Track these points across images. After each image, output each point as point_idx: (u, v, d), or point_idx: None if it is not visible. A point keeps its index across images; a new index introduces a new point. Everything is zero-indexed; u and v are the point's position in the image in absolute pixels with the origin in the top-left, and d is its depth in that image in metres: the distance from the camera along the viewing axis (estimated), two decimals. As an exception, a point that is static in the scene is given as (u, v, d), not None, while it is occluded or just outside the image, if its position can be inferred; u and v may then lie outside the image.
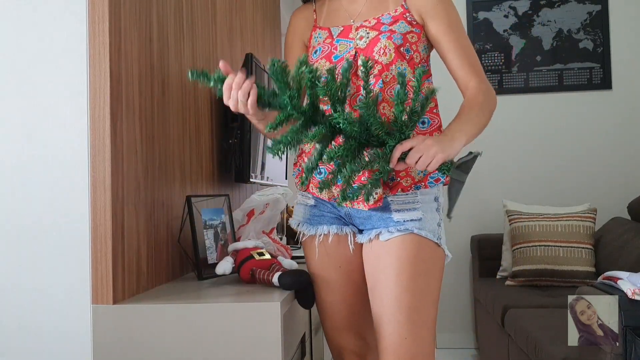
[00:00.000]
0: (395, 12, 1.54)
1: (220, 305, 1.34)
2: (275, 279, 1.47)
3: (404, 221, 1.46)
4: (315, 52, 1.58)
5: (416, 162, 1.30)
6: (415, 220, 1.46)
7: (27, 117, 1.43)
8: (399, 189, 1.47)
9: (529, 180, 3.76)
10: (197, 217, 1.70)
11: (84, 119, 1.41)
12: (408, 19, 1.53)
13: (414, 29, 1.52)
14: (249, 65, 2.17)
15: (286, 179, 2.90)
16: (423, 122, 1.49)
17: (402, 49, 1.49)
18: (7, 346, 1.42)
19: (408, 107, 1.31)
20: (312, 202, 1.60)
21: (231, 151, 2.20)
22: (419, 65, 1.51)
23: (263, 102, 1.31)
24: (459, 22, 1.53)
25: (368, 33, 1.53)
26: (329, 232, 1.57)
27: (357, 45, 1.53)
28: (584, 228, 3.13)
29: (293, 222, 1.64)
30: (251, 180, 2.16)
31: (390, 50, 1.48)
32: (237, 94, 1.29)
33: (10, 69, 1.44)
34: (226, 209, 1.84)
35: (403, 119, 1.30)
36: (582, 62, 3.75)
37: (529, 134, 3.77)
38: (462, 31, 1.53)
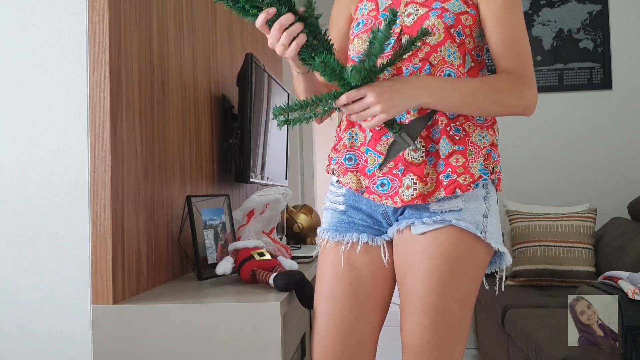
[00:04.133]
0: None
1: (220, 305, 1.34)
2: (271, 280, 1.47)
3: (442, 211, 1.27)
4: (358, 25, 1.39)
5: (355, 113, 1.17)
6: (455, 210, 1.27)
7: (27, 116, 1.43)
8: (456, 189, 1.26)
9: (529, 180, 3.76)
10: (197, 217, 1.70)
11: (84, 119, 1.41)
12: None
13: (469, 10, 1.31)
14: (249, 65, 2.17)
15: (286, 179, 2.90)
16: (449, 76, 1.30)
17: (452, 30, 1.29)
18: (7, 346, 1.42)
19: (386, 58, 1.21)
20: (342, 207, 1.40)
21: (231, 151, 2.20)
22: (472, 53, 1.32)
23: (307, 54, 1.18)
24: (515, 5, 1.31)
25: (417, 10, 1.32)
26: (359, 240, 1.36)
27: (404, 22, 1.32)
28: (584, 228, 3.13)
29: (319, 229, 1.45)
30: (251, 180, 2.16)
31: (439, 29, 1.29)
32: (280, 35, 1.14)
33: (10, 68, 1.44)
34: (226, 209, 1.84)
35: (374, 64, 1.15)
36: (582, 62, 3.74)
37: (529, 134, 3.77)
38: (516, 15, 1.30)
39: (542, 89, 3.77)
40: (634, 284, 1.74)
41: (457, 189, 1.26)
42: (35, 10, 1.44)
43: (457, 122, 1.29)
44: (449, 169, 1.27)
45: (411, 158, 1.28)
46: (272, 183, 2.50)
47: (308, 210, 2.81)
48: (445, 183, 1.26)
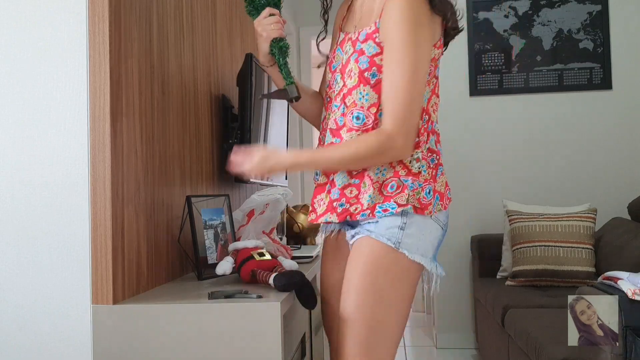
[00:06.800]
0: (370, 28, 1.41)
1: (220, 305, 1.34)
2: (271, 280, 1.47)
3: (361, 225, 1.44)
4: (327, 58, 1.60)
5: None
6: (372, 222, 1.40)
7: (27, 117, 1.43)
8: (347, 216, 1.43)
9: (529, 180, 3.76)
10: (197, 217, 1.70)
11: (84, 119, 1.41)
12: (377, 39, 1.39)
13: (380, 51, 1.39)
14: (249, 65, 2.17)
15: (286, 179, 2.90)
16: (358, 118, 1.41)
17: (367, 73, 1.39)
18: (7, 346, 1.42)
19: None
20: None
21: (231, 151, 2.20)
22: None
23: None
24: (404, 50, 1.33)
25: (348, 49, 1.47)
26: (334, 228, 1.59)
27: (342, 60, 1.49)
28: (584, 228, 3.13)
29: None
30: (251, 180, 2.16)
31: (355, 74, 1.41)
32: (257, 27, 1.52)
33: (10, 68, 1.44)
34: (226, 209, 1.84)
35: None
36: (582, 62, 3.74)
37: (529, 134, 3.77)
38: (407, 67, 1.33)
39: (542, 89, 3.77)
40: (634, 284, 1.74)
41: (347, 217, 1.43)
42: (35, 10, 1.44)
43: None
44: (343, 199, 1.44)
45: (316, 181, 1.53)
46: (272, 183, 2.50)
47: (308, 210, 2.82)
48: (339, 210, 1.44)
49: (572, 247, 3.08)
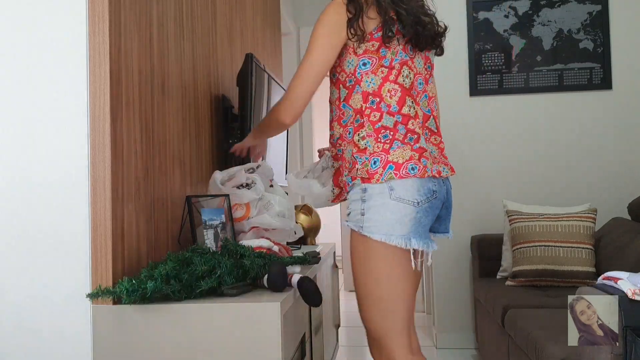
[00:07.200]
0: None
1: (221, 305, 1.34)
2: (264, 281, 1.48)
3: (348, 215, 1.70)
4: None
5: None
6: (348, 214, 1.68)
7: (27, 117, 1.43)
8: (342, 196, 1.78)
9: (529, 180, 3.76)
10: (197, 217, 1.70)
11: (84, 119, 1.41)
12: None
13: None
14: (249, 65, 2.17)
15: (286, 179, 2.90)
16: (349, 133, 1.67)
17: (331, 74, 1.74)
18: (7, 346, 1.42)
19: None
20: None
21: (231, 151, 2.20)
22: (343, 81, 1.69)
23: None
24: (311, 40, 1.66)
25: None
26: None
27: None
28: (584, 228, 3.13)
29: None
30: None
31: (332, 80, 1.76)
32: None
33: (11, 68, 1.44)
34: (226, 209, 1.84)
35: None
36: (582, 62, 3.74)
37: (529, 134, 3.77)
38: (308, 50, 1.66)
39: (542, 89, 3.77)
40: (634, 284, 1.74)
41: (345, 194, 1.73)
42: (35, 10, 1.44)
43: (337, 145, 1.73)
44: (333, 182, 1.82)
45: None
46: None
47: (308, 210, 2.81)
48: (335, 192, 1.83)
49: (572, 247, 3.08)
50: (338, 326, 3.09)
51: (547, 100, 3.77)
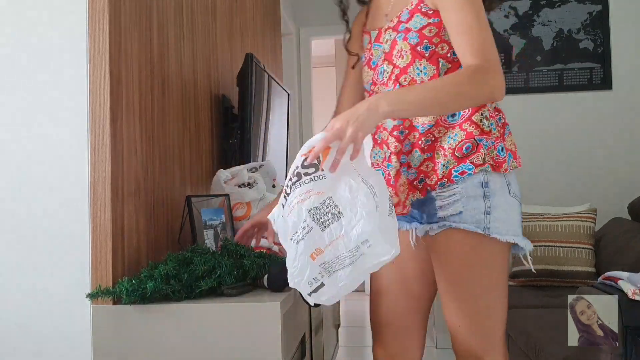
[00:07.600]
0: (412, 5, 1.43)
1: (220, 305, 1.34)
2: (264, 281, 1.48)
3: (445, 217, 1.40)
4: (361, 59, 1.58)
5: (341, 149, 1.21)
6: (455, 214, 1.39)
7: (27, 116, 1.43)
8: (427, 188, 1.41)
9: (529, 180, 3.76)
10: (197, 217, 1.70)
11: (84, 118, 1.41)
12: (423, 9, 1.41)
13: (430, 20, 1.40)
14: (249, 65, 2.17)
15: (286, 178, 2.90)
16: (453, 115, 1.41)
17: (419, 47, 1.40)
18: (7, 346, 1.42)
19: None
20: None
21: (231, 151, 2.20)
22: (447, 55, 1.41)
23: None
24: (476, 8, 1.36)
25: (390, 35, 1.47)
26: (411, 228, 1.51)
27: (385, 50, 1.48)
28: (584, 228, 3.13)
29: None
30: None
31: (407, 52, 1.42)
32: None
33: (11, 68, 1.44)
34: (226, 209, 1.84)
35: None
36: (582, 62, 3.74)
37: (529, 134, 3.77)
38: (471, 8, 1.35)
39: (542, 89, 3.77)
40: (634, 284, 1.74)
41: (427, 189, 1.41)
42: (35, 10, 1.44)
43: (428, 134, 1.41)
44: (422, 175, 1.42)
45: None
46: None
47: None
48: (420, 187, 1.43)
49: (572, 247, 3.08)
50: (338, 326, 3.09)
51: (547, 100, 3.77)
